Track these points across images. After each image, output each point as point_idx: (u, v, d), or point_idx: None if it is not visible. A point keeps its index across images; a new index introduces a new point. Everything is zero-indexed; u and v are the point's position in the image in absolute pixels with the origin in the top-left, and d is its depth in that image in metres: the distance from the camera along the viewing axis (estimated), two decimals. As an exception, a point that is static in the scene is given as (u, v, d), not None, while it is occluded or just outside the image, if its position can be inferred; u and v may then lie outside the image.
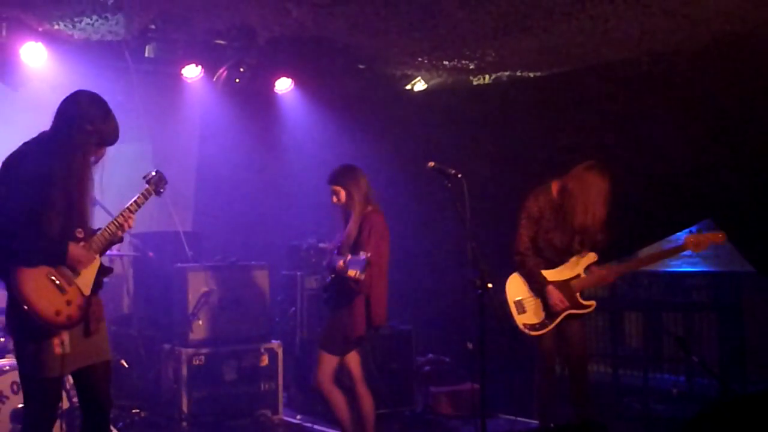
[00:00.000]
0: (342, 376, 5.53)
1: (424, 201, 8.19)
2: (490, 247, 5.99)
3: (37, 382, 3.89)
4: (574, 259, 5.52)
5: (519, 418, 6.86)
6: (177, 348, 6.63)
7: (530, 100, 7.93)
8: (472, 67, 7.68)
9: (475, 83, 8.28)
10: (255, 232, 8.25)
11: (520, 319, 5.49)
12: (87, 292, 3.95)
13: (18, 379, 5.31)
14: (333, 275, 5.40)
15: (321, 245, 7.09)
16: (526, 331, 5.49)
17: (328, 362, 5.42)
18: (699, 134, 6.76)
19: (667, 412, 7.12)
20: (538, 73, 7.87)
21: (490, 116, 8.17)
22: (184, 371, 6.49)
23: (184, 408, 6.46)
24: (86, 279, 3.95)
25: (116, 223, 4.08)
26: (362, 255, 5.02)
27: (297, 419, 6.91)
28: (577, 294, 5.51)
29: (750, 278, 7.39)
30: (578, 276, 5.51)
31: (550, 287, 5.46)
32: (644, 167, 6.49)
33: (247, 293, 6.86)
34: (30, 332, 3.84)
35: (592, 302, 5.55)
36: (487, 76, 8.09)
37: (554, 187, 5.57)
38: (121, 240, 4.22)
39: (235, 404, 6.63)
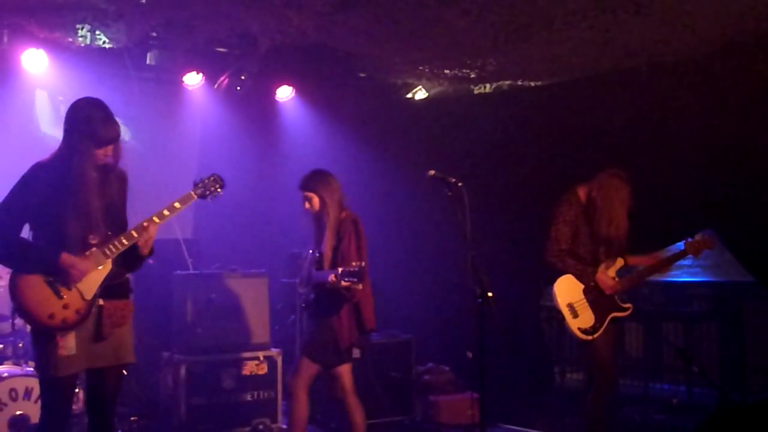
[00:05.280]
0: (334, 388, 5.45)
1: (424, 209, 8.19)
2: (490, 256, 5.99)
3: (44, 382, 4.03)
4: (603, 265, 5.49)
5: (519, 428, 6.86)
6: (176, 356, 6.61)
7: (531, 109, 7.94)
8: (473, 76, 7.70)
9: (476, 92, 8.29)
10: (255, 240, 8.25)
11: (575, 324, 5.37)
12: (89, 296, 4.00)
13: (16, 386, 5.33)
14: (315, 290, 5.35)
15: (295, 251, 6.89)
16: (581, 335, 5.36)
17: (308, 369, 5.35)
18: (699, 144, 6.77)
19: (667, 422, 7.10)
20: (539, 83, 7.88)
21: (491, 125, 8.19)
22: (183, 379, 6.47)
23: (183, 416, 6.44)
24: (89, 284, 4.00)
25: (136, 231, 4.08)
26: (355, 265, 4.96)
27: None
28: (615, 297, 5.49)
29: (750, 288, 7.38)
30: (613, 279, 5.50)
31: (600, 274, 5.43)
32: (644, 177, 6.48)
33: (246, 301, 6.85)
34: (35, 334, 4.04)
35: (629, 304, 5.54)
36: (488, 85, 8.10)
37: (581, 192, 5.53)
38: (142, 250, 4.14)
39: (234, 412, 6.61)
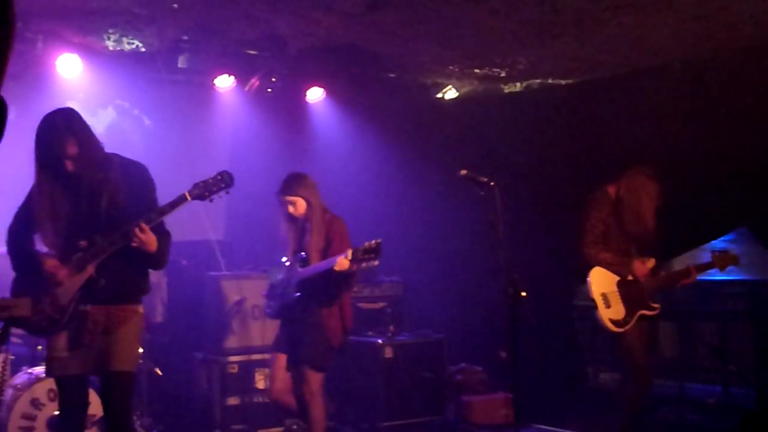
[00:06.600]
0: (300, 388, 5.38)
1: (456, 209, 8.17)
2: (523, 255, 5.96)
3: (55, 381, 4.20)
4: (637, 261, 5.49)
5: (552, 428, 6.82)
6: (210, 356, 6.66)
7: (561, 108, 7.90)
8: (503, 75, 7.67)
9: (506, 91, 8.26)
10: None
11: (606, 314, 5.36)
12: (64, 301, 3.97)
13: (55, 387, 5.39)
14: (301, 288, 5.28)
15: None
16: (612, 327, 5.36)
17: (315, 376, 5.28)
18: (733, 141, 6.69)
19: (703, 422, 7.03)
20: (570, 81, 7.84)
21: (522, 124, 8.15)
22: (217, 379, 6.52)
23: (217, 416, 6.49)
24: (67, 288, 3.98)
25: (121, 236, 3.97)
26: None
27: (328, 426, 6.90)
28: (646, 295, 5.48)
29: (787, 286, 7.29)
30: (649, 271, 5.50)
31: (637, 262, 5.43)
32: (678, 175, 6.43)
33: (279, 302, 6.87)
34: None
35: (658, 305, 5.52)
36: (518, 84, 8.07)
37: (611, 191, 5.53)
38: (143, 249, 4.00)
39: (268, 412, 6.64)
